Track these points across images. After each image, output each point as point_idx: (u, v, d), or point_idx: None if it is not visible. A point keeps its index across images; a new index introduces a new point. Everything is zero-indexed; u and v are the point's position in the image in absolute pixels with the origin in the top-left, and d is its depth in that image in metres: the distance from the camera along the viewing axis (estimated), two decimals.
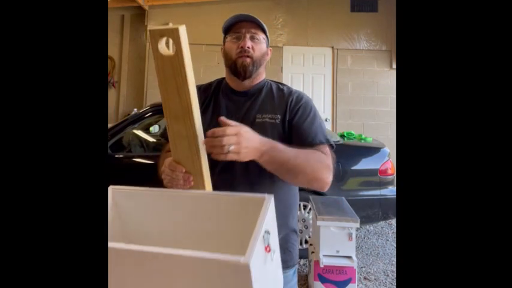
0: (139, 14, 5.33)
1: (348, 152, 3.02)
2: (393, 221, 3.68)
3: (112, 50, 5.38)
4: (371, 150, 3.09)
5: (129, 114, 4.52)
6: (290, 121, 1.01)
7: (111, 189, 0.81)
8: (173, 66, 0.72)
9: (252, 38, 1.03)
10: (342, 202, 2.54)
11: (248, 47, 1.02)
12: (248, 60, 1.02)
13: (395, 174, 3.01)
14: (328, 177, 0.92)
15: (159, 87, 0.78)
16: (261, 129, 0.98)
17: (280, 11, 5.23)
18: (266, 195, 0.69)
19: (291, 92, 1.07)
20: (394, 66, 5.22)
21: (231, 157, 0.76)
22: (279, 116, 1.01)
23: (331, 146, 1.01)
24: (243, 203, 0.72)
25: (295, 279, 1.08)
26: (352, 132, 3.61)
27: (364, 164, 2.98)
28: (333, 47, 5.24)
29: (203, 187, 0.80)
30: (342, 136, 3.44)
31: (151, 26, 0.74)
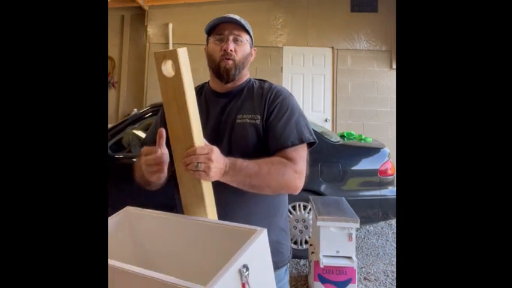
0: (139, 14, 5.33)
1: (348, 152, 3.02)
2: (393, 222, 3.68)
3: (112, 50, 5.38)
4: (371, 151, 3.08)
5: (129, 115, 4.52)
6: (266, 121, 1.00)
7: (128, 210, 0.85)
8: (174, 87, 0.75)
9: (235, 40, 1.02)
10: (342, 202, 2.54)
11: (231, 50, 1.01)
12: (231, 63, 1.01)
13: (395, 175, 3.01)
14: (296, 183, 0.93)
15: (164, 110, 0.80)
16: (241, 130, 0.99)
17: (280, 11, 5.23)
18: (258, 229, 0.69)
19: (270, 88, 1.05)
20: (394, 66, 5.21)
21: (200, 175, 0.79)
22: (258, 116, 1.00)
23: (311, 143, 1.00)
24: (236, 234, 0.72)
25: (287, 277, 1.09)
26: (352, 132, 3.61)
27: (364, 165, 2.98)
28: (333, 47, 5.24)
29: (204, 210, 0.81)
30: (342, 136, 3.44)
31: (156, 50, 0.79)
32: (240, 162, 0.87)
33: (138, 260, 0.83)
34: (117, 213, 0.84)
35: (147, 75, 5.20)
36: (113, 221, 0.81)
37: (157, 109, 2.90)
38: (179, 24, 5.15)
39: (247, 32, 1.05)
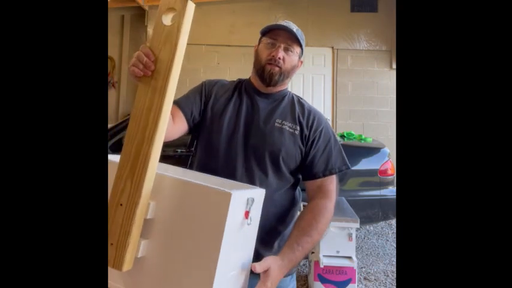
0: (139, 14, 5.32)
1: (348, 152, 3.00)
2: (393, 221, 3.68)
3: (112, 51, 5.37)
4: (371, 151, 3.09)
5: (129, 115, 4.51)
6: (309, 141, 1.04)
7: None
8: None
9: (286, 49, 1.03)
10: (342, 202, 2.54)
11: (279, 58, 1.02)
12: (277, 69, 1.02)
13: (395, 175, 3.01)
14: (332, 213, 1.01)
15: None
16: (278, 133, 1.01)
17: (280, 11, 5.22)
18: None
19: (310, 110, 1.09)
20: (394, 66, 5.21)
21: None
22: (298, 128, 1.04)
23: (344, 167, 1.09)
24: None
25: (293, 283, 1.08)
26: (352, 132, 3.61)
27: (364, 164, 2.98)
28: (333, 47, 5.24)
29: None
30: (342, 136, 3.44)
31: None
32: (293, 250, 0.89)
33: None
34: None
35: None
36: None
37: None
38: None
39: (300, 44, 1.06)
